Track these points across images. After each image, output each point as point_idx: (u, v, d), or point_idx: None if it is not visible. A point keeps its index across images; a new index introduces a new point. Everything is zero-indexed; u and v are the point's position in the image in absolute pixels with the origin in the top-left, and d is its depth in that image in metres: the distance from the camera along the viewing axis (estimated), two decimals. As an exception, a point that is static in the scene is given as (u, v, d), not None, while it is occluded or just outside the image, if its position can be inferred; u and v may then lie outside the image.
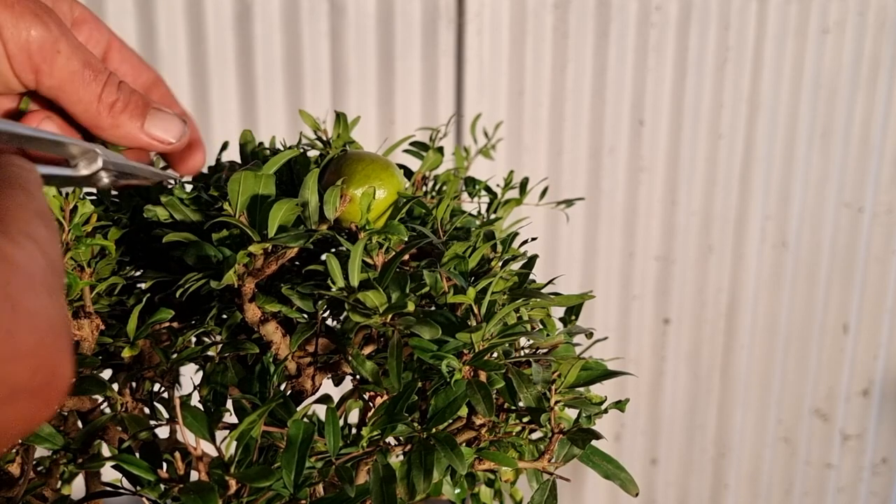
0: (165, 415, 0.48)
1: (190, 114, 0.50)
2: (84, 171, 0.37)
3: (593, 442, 0.43)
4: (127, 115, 0.43)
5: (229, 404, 0.43)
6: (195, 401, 0.45)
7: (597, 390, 0.46)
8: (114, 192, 0.53)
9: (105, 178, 0.39)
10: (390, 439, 0.43)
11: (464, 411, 0.44)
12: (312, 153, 0.52)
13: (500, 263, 0.47)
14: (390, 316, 0.41)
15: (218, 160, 0.58)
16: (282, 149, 0.53)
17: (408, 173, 0.58)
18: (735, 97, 1.48)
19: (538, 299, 0.45)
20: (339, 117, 0.54)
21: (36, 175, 0.28)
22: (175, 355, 0.45)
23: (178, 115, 0.46)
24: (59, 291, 0.23)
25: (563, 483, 0.43)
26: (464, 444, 0.44)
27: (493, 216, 0.60)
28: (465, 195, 0.62)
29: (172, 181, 0.47)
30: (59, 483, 0.47)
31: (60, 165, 0.36)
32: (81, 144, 0.37)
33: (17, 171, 0.27)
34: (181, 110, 0.48)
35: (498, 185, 0.62)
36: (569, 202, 0.64)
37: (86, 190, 0.45)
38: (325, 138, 0.55)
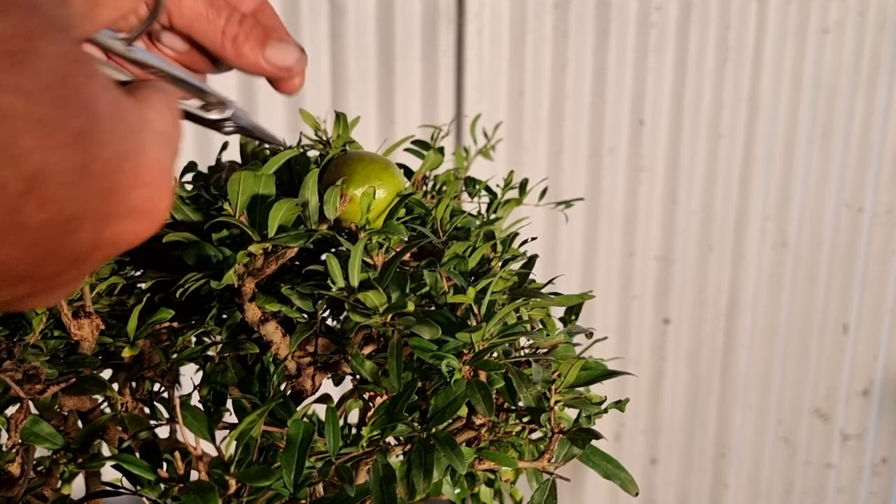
0: (165, 415, 0.48)
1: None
2: (213, 116, 0.43)
3: (593, 442, 0.43)
4: (249, 47, 0.47)
5: (229, 404, 0.43)
6: (195, 401, 0.45)
7: (597, 390, 0.46)
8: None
9: (228, 128, 0.44)
10: (390, 439, 0.43)
11: (464, 411, 0.44)
12: (312, 153, 0.52)
13: (499, 263, 0.47)
14: (390, 316, 0.41)
15: (218, 160, 0.58)
16: (282, 149, 0.53)
17: (408, 173, 0.58)
18: (735, 97, 1.48)
19: (538, 299, 0.45)
20: (339, 117, 0.54)
21: (175, 94, 0.34)
22: (175, 355, 0.45)
23: (295, 43, 0.50)
24: (174, 151, 0.30)
25: (563, 483, 0.43)
26: (464, 444, 0.44)
27: (492, 216, 0.60)
28: (465, 195, 0.62)
29: (282, 146, 0.50)
30: (59, 483, 0.47)
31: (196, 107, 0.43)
32: (219, 95, 0.43)
33: (163, 85, 0.33)
34: (289, 36, 0.52)
35: (498, 186, 0.62)
36: (568, 203, 0.64)
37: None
38: (325, 138, 0.55)
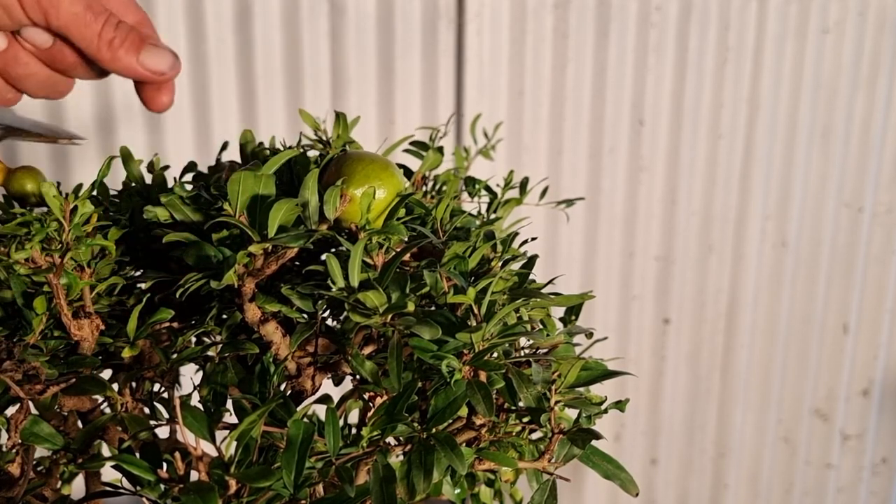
0: (165, 415, 0.48)
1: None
2: None
3: (593, 442, 0.43)
4: (124, 50, 0.49)
5: (229, 404, 0.43)
6: (195, 401, 0.45)
7: (597, 390, 0.46)
8: (112, 192, 0.53)
9: None
10: (390, 439, 0.43)
11: (464, 411, 0.44)
12: (312, 153, 0.52)
13: (500, 263, 0.47)
14: (390, 316, 0.41)
15: (218, 160, 0.58)
16: (282, 149, 0.53)
17: (408, 173, 0.58)
18: (735, 97, 1.48)
19: (538, 299, 0.45)
20: (339, 117, 0.54)
21: None
22: (175, 355, 0.45)
23: (170, 50, 0.52)
24: None
25: (563, 483, 0.43)
26: (464, 444, 0.44)
27: (492, 216, 0.60)
28: (465, 195, 0.62)
29: (77, 141, 0.50)
30: (59, 483, 0.47)
31: None
32: None
33: None
34: (164, 44, 0.54)
35: (498, 185, 0.62)
36: (569, 202, 0.64)
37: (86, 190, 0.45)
38: (324, 138, 0.55)
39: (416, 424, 0.42)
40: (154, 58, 0.50)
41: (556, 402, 0.43)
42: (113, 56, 0.49)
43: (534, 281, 0.48)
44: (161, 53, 0.51)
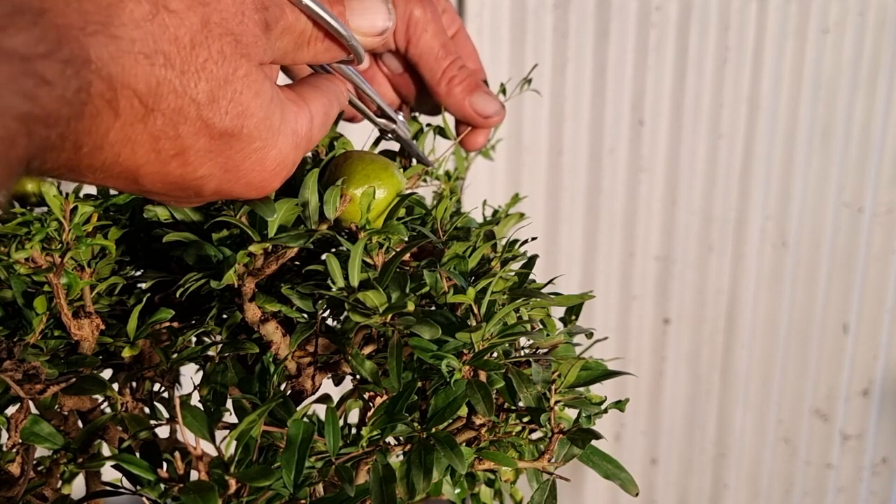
0: (165, 414, 0.48)
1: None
2: (380, 121, 0.52)
3: (593, 442, 0.43)
4: (460, 89, 0.56)
5: (229, 404, 0.43)
6: (195, 401, 0.45)
7: (597, 390, 0.46)
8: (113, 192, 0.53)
9: (389, 135, 0.53)
10: (390, 439, 0.43)
11: (464, 411, 0.44)
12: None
13: (499, 263, 0.47)
14: (390, 316, 0.41)
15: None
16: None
17: (391, 155, 0.57)
18: (735, 97, 1.48)
19: (538, 299, 0.45)
20: None
21: (343, 96, 0.43)
22: (175, 355, 0.45)
23: (498, 100, 0.58)
24: (304, 149, 0.38)
25: (563, 483, 0.43)
26: (464, 444, 0.44)
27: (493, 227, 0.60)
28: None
29: (429, 165, 0.57)
30: (60, 483, 0.47)
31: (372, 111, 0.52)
32: (390, 111, 0.52)
33: (335, 85, 0.41)
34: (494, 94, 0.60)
35: (496, 207, 0.62)
36: (528, 80, 0.63)
37: (86, 190, 0.46)
38: None
39: (415, 424, 0.42)
40: (483, 102, 0.56)
41: (556, 402, 0.43)
42: (449, 91, 0.55)
43: (534, 281, 0.48)
44: (489, 100, 0.56)
